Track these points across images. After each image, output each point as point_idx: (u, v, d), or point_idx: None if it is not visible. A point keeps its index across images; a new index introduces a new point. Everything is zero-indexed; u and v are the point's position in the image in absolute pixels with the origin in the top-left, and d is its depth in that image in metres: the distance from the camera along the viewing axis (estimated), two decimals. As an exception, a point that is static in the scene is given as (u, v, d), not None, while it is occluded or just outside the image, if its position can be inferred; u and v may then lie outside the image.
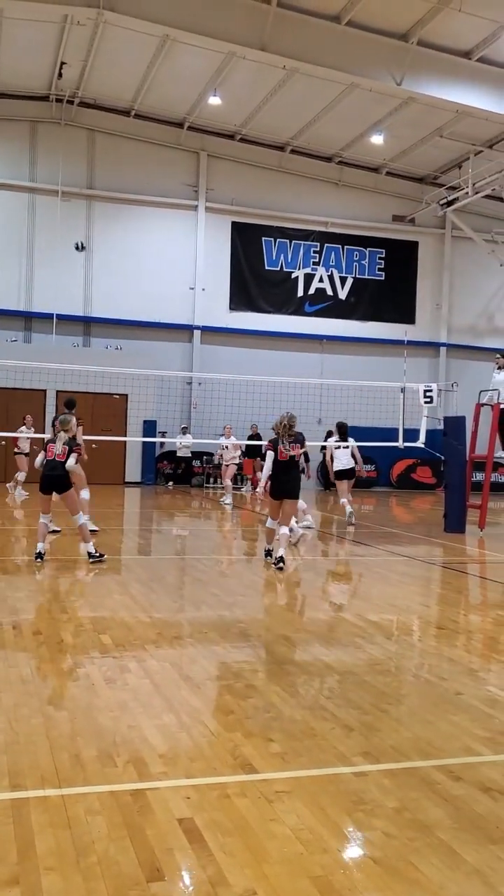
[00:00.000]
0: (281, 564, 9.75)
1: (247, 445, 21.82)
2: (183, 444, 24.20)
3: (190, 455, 25.15)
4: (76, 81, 23.10)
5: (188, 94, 23.55)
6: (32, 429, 18.84)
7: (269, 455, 10.06)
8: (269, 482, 10.27)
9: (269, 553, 10.31)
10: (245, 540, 13.99)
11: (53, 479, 9.77)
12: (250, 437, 22.43)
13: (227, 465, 20.52)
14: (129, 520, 16.25)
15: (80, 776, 3.76)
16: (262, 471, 10.94)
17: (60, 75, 22.56)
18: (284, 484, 10.11)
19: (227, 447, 20.53)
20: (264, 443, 10.88)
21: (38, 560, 9.58)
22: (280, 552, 9.85)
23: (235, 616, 7.24)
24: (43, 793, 3.57)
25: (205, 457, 25.47)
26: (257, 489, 12.34)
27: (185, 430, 24.24)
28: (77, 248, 24.93)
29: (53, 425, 10.58)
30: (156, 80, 22.71)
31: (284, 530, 10.03)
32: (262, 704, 4.85)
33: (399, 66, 20.42)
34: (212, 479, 25.14)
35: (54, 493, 9.88)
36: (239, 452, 20.82)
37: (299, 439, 10.19)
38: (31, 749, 4.04)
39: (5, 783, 3.65)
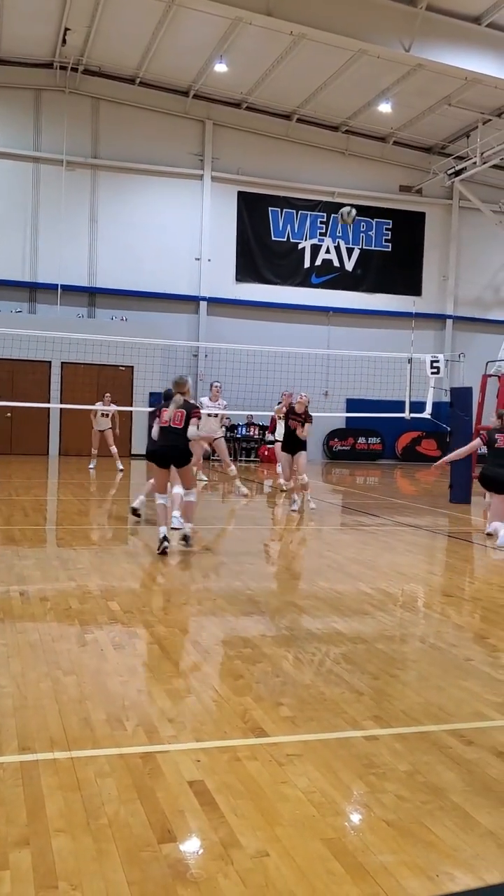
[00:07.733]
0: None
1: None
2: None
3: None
4: (80, 48, 22.76)
5: (194, 61, 23.20)
6: (113, 405, 19.11)
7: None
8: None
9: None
10: (247, 509, 13.95)
11: (172, 451, 8.55)
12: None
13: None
14: (137, 490, 16.21)
15: (90, 739, 3.74)
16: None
17: (64, 42, 22.22)
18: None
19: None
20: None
21: (166, 544, 8.34)
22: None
23: (244, 584, 7.21)
24: (52, 755, 3.55)
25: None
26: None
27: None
28: None
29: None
30: (161, 47, 22.36)
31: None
32: (272, 669, 4.82)
33: (408, 31, 20.06)
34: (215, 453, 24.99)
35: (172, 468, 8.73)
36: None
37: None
38: (40, 713, 4.02)
39: (14, 746, 3.63)
